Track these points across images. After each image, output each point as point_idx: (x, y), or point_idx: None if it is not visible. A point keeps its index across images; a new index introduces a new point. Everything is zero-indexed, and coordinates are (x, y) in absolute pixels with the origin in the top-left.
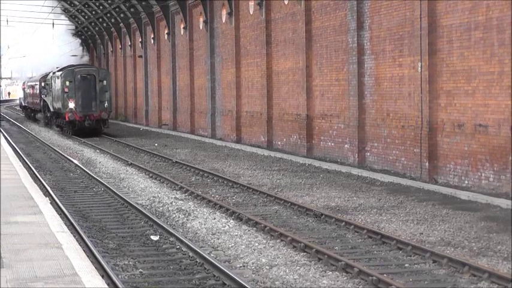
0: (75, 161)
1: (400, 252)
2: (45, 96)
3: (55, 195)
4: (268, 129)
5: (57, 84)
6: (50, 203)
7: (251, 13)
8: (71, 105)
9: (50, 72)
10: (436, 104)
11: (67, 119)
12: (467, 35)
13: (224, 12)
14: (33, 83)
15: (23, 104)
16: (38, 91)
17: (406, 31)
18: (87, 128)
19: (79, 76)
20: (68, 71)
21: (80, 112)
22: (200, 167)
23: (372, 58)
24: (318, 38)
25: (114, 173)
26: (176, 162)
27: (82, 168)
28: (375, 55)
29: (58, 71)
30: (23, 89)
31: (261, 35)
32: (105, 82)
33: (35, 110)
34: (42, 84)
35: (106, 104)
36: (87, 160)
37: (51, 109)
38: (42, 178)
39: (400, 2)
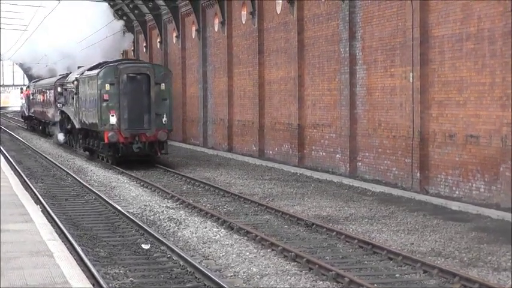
0: (108, 201)
1: (391, 262)
2: (63, 105)
3: (46, 203)
4: (259, 138)
5: (88, 88)
6: (41, 211)
7: (243, 22)
8: (113, 120)
9: (69, 73)
10: (428, 115)
11: (106, 140)
12: (459, 46)
13: (217, 21)
14: (43, 88)
15: (27, 113)
16: (51, 98)
17: (398, 41)
18: (135, 154)
19: (125, 76)
20: (109, 69)
21: (126, 130)
22: (191, 176)
23: (364, 68)
24: (310, 47)
25: (105, 181)
26: (167, 170)
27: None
28: (367, 65)
29: (90, 68)
30: (27, 94)
31: (253, 44)
32: (163, 86)
33: (45, 122)
34: (59, 89)
35: (165, 119)
36: (79, 168)
37: (77, 125)
38: (33, 186)
39: (392, 12)
